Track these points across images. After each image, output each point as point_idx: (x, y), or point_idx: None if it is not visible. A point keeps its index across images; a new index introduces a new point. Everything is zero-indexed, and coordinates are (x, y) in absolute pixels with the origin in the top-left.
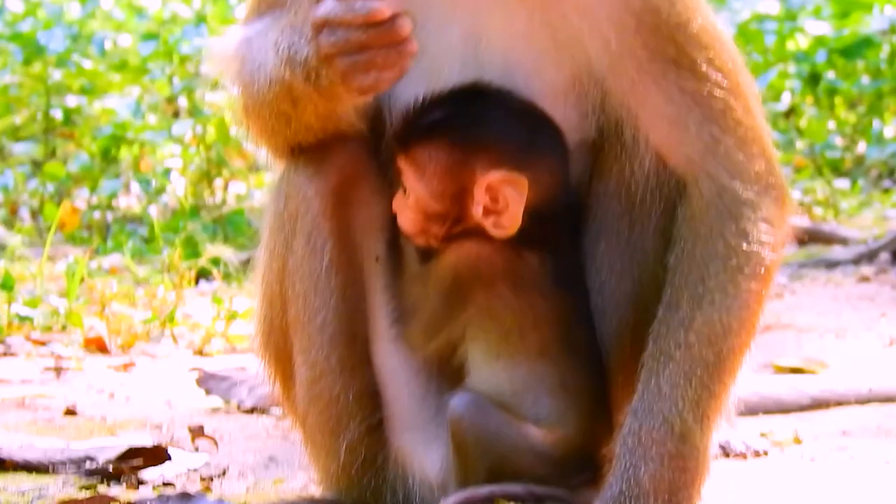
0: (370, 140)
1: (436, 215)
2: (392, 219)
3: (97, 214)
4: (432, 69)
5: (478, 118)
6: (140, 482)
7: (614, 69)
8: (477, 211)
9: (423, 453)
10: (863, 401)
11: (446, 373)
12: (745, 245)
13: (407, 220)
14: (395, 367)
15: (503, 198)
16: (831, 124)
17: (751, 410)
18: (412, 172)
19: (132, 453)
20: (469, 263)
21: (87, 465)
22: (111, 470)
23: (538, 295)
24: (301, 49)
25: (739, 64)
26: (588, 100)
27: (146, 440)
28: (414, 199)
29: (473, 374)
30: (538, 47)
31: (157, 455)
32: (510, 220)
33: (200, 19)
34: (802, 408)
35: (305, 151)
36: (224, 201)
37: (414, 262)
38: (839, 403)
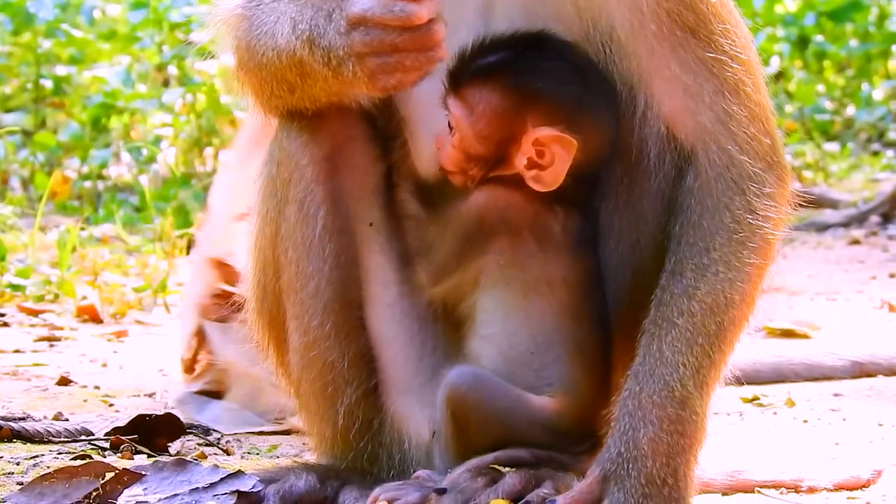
0: (366, 104)
1: (477, 157)
2: (385, 184)
3: (88, 184)
4: (449, 23)
5: (538, 67)
6: (135, 450)
7: (636, 35)
8: (520, 161)
9: (419, 417)
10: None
11: (446, 330)
12: (750, 219)
13: (448, 157)
14: (390, 331)
15: (550, 154)
16: (820, 87)
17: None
18: (461, 111)
19: (143, 422)
20: (498, 208)
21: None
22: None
23: (563, 252)
24: (328, 37)
25: (751, 41)
26: (603, 64)
27: (154, 410)
28: (458, 137)
29: (486, 327)
30: (555, 10)
31: (171, 425)
32: (552, 177)
33: None
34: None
35: (298, 117)
36: (215, 169)
37: (419, 209)
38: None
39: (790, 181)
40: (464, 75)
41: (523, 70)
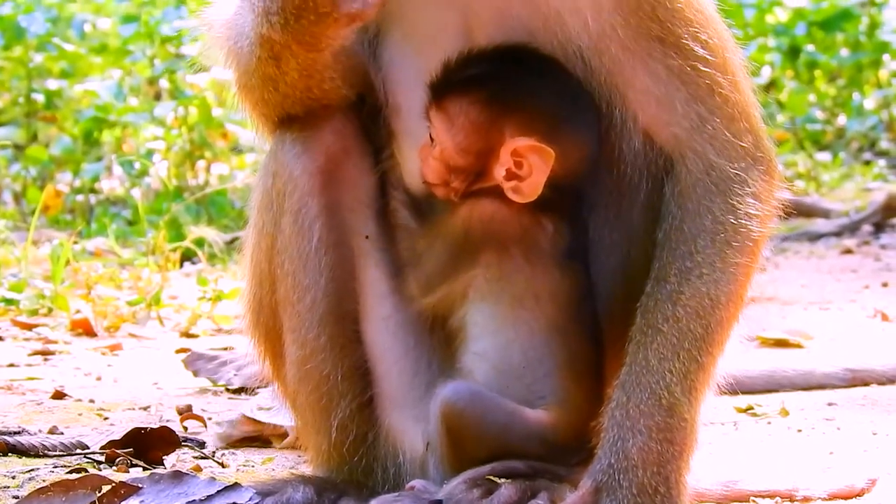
0: (361, 117)
1: (458, 169)
2: (381, 196)
3: (80, 197)
4: (425, 45)
5: (516, 79)
6: (130, 464)
7: (596, 49)
8: (499, 172)
9: (413, 431)
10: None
11: (439, 344)
12: (732, 219)
13: (430, 169)
14: (385, 344)
15: (528, 165)
16: (811, 97)
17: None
18: (441, 123)
19: (139, 435)
20: (483, 221)
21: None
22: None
23: (551, 266)
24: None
25: (727, 38)
26: (582, 79)
27: (149, 423)
28: (439, 150)
29: (477, 342)
30: (527, 27)
31: (166, 438)
32: (530, 188)
33: (180, 0)
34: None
35: (293, 129)
36: (207, 182)
37: (410, 220)
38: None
39: (776, 175)
40: (444, 88)
41: (502, 82)
